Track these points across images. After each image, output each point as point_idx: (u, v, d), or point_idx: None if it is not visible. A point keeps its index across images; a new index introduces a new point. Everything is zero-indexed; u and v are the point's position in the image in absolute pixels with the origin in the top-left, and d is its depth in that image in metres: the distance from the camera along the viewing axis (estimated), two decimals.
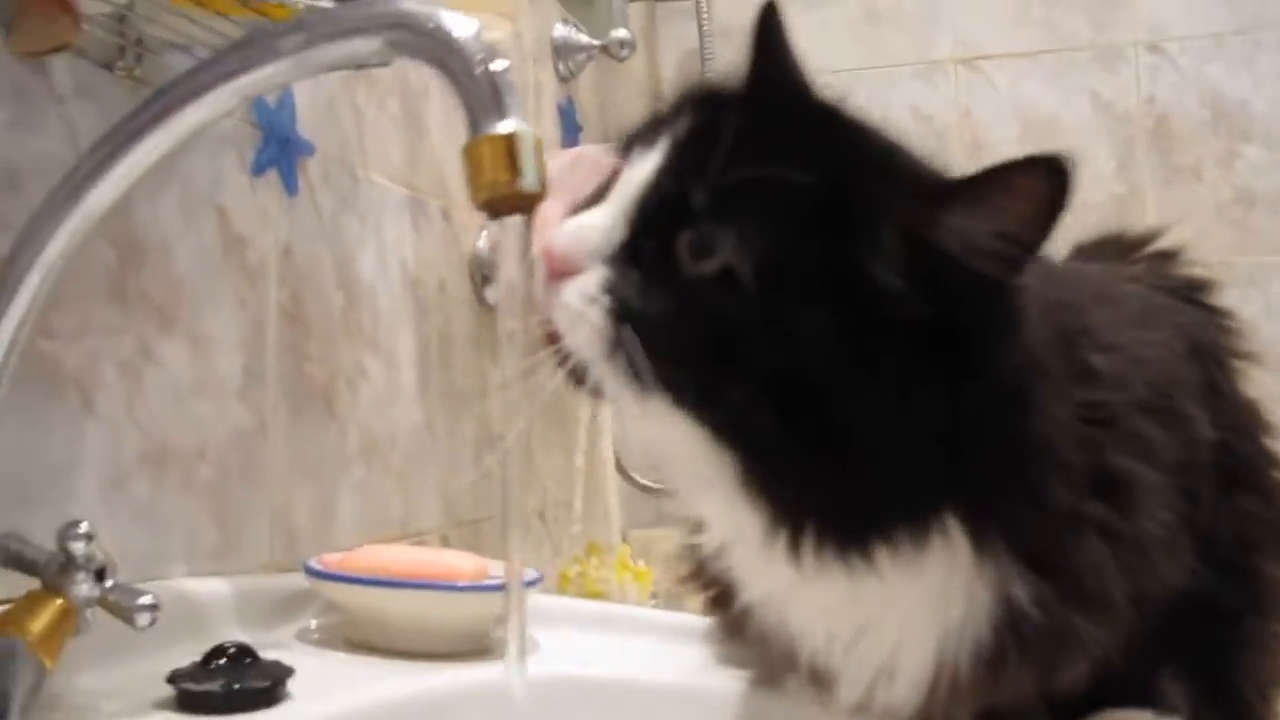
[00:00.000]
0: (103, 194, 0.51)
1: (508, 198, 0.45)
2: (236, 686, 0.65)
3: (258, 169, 0.91)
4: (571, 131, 1.68)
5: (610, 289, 0.51)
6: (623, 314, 0.50)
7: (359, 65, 0.94)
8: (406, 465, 1.16)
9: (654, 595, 1.48)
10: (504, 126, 0.45)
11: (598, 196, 0.55)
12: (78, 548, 0.60)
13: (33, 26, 0.66)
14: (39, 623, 0.59)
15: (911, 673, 0.56)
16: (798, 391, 0.48)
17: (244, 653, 0.68)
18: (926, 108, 1.98)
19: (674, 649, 0.82)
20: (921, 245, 0.49)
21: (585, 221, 0.53)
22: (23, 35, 0.66)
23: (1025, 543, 0.52)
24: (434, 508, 1.22)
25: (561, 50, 1.66)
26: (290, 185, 0.96)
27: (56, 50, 0.69)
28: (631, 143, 0.55)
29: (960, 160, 0.54)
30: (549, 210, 0.51)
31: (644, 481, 1.90)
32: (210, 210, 0.87)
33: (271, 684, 0.66)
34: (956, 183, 0.51)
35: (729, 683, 0.74)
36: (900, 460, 0.49)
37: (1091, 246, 0.71)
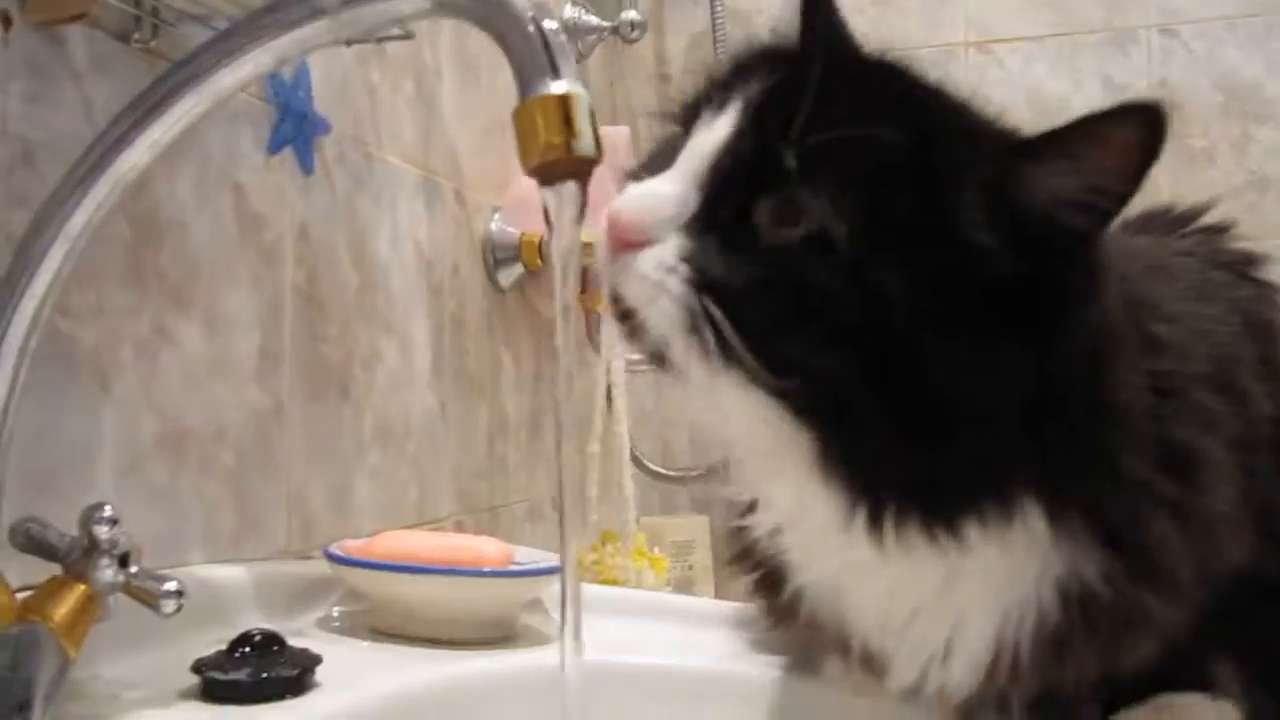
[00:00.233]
0: (132, 160, 0.49)
1: (561, 162, 0.43)
2: (264, 675, 0.63)
3: (274, 146, 0.89)
4: None
5: (688, 258, 0.49)
6: (704, 284, 0.48)
7: (379, 39, 0.92)
8: (421, 451, 1.14)
9: (668, 583, 1.46)
10: (557, 87, 0.43)
11: (654, 165, 0.53)
12: (102, 532, 0.58)
13: None
14: (62, 610, 0.57)
15: (970, 654, 0.54)
16: (886, 358, 0.47)
17: (271, 640, 0.66)
18: None
19: (701, 635, 0.81)
20: (1010, 200, 0.48)
21: (653, 189, 0.51)
22: (40, 3, 0.64)
23: (1099, 516, 0.51)
24: (448, 494, 1.20)
25: (571, 32, 1.63)
26: (306, 164, 0.93)
27: (74, 19, 0.67)
28: (694, 109, 0.53)
29: None
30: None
31: (657, 468, 1.88)
32: (227, 188, 0.85)
33: (300, 672, 0.64)
34: (1045, 135, 0.49)
35: (764, 669, 0.73)
36: (988, 428, 0.47)
37: (1139, 220, 0.69)
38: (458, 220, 1.24)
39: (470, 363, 1.26)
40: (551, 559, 0.82)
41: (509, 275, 1.33)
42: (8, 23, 0.65)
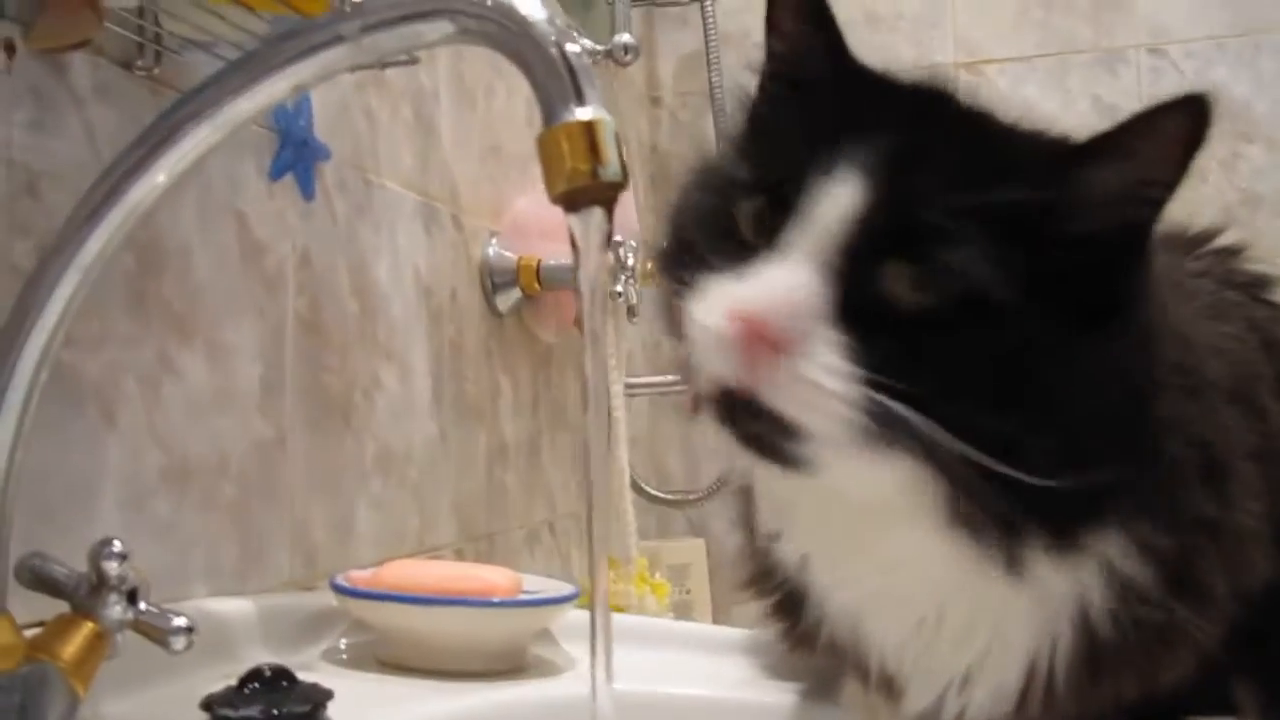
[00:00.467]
0: (146, 189, 0.48)
1: (588, 189, 0.42)
2: (276, 712, 0.61)
3: (276, 173, 0.88)
4: None
5: (850, 353, 0.47)
6: (874, 378, 0.46)
7: (384, 64, 0.92)
8: (421, 478, 1.13)
9: (669, 608, 1.45)
10: (583, 114, 0.42)
11: (727, 246, 0.51)
12: (111, 568, 0.56)
13: (54, 21, 0.63)
14: (71, 648, 0.56)
15: (1000, 680, 0.54)
16: (1038, 398, 0.47)
17: (281, 675, 0.64)
18: None
19: (710, 662, 0.80)
20: (1080, 206, 0.49)
21: (784, 281, 0.48)
22: (44, 31, 0.63)
23: (1143, 529, 0.50)
24: (449, 521, 1.19)
25: None
26: (307, 190, 0.93)
27: (77, 46, 0.66)
28: (786, 180, 0.50)
29: None
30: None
31: (654, 492, 1.88)
32: (229, 215, 0.84)
33: (311, 708, 0.63)
34: (1101, 137, 0.50)
35: (779, 695, 0.72)
36: (1103, 449, 0.48)
37: (1155, 241, 0.69)
38: (456, 246, 1.24)
39: (469, 388, 1.25)
40: (562, 587, 0.81)
41: (507, 300, 1.33)
42: (11, 50, 0.65)
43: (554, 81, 0.43)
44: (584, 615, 0.90)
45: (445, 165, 1.22)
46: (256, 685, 0.64)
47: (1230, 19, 1.88)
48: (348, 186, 1.01)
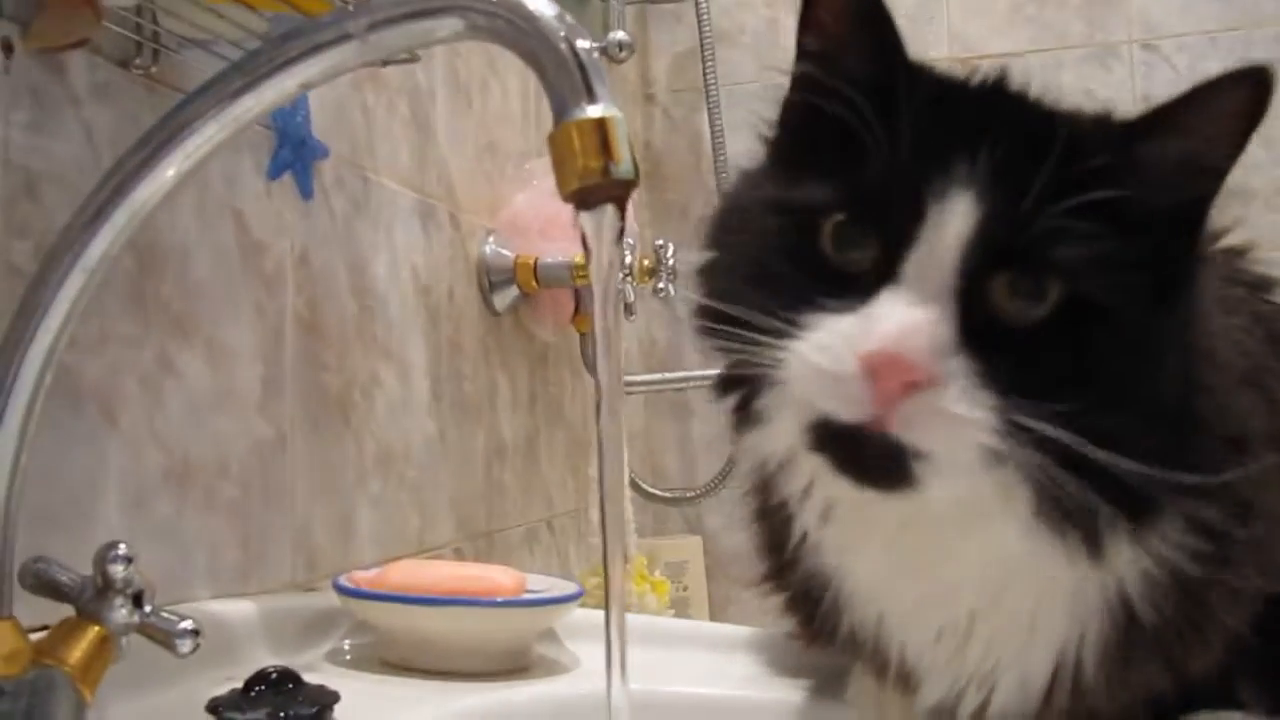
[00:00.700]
0: (151, 190, 0.48)
1: (601, 186, 0.42)
2: (283, 714, 0.61)
3: (274, 172, 0.88)
4: None
5: (985, 382, 0.46)
6: (1009, 403, 0.46)
7: (386, 62, 0.91)
8: (420, 477, 1.12)
9: (669, 605, 1.45)
10: (594, 110, 0.42)
11: (842, 281, 0.50)
12: (117, 571, 0.56)
13: (52, 21, 0.63)
14: (77, 653, 0.55)
15: (1026, 672, 0.54)
16: (1139, 385, 0.48)
17: (287, 677, 0.64)
18: None
19: (712, 660, 0.80)
20: (1150, 185, 0.49)
21: (914, 318, 0.47)
22: (42, 30, 0.63)
23: (1191, 509, 0.50)
24: (448, 520, 1.18)
25: None
26: (305, 189, 0.92)
27: (75, 46, 0.65)
28: (883, 201, 0.49)
29: None
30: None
31: (652, 489, 1.87)
32: (227, 215, 0.83)
33: (318, 710, 0.63)
34: (1156, 111, 0.50)
35: (782, 693, 0.72)
36: (1179, 426, 0.49)
37: None
38: (453, 243, 1.23)
39: (467, 386, 1.25)
40: (566, 587, 0.81)
41: (504, 298, 1.32)
42: (9, 50, 0.64)
43: (565, 78, 0.43)
44: (588, 614, 0.91)
45: (442, 162, 1.22)
46: (263, 688, 0.63)
47: (1221, 13, 1.88)
48: (345, 185, 1.00)
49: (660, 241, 1.41)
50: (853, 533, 0.56)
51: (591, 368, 1.48)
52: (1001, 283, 0.48)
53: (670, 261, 1.39)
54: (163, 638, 0.57)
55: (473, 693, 0.72)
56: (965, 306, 0.48)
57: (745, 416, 0.56)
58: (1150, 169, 0.49)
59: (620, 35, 1.71)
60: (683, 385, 1.81)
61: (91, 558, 0.56)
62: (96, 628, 0.56)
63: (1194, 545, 0.51)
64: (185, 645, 0.57)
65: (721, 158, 1.82)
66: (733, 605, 1.91)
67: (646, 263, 1.39)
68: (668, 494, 1.91)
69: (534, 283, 1.31)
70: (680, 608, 1.81)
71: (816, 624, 0.63)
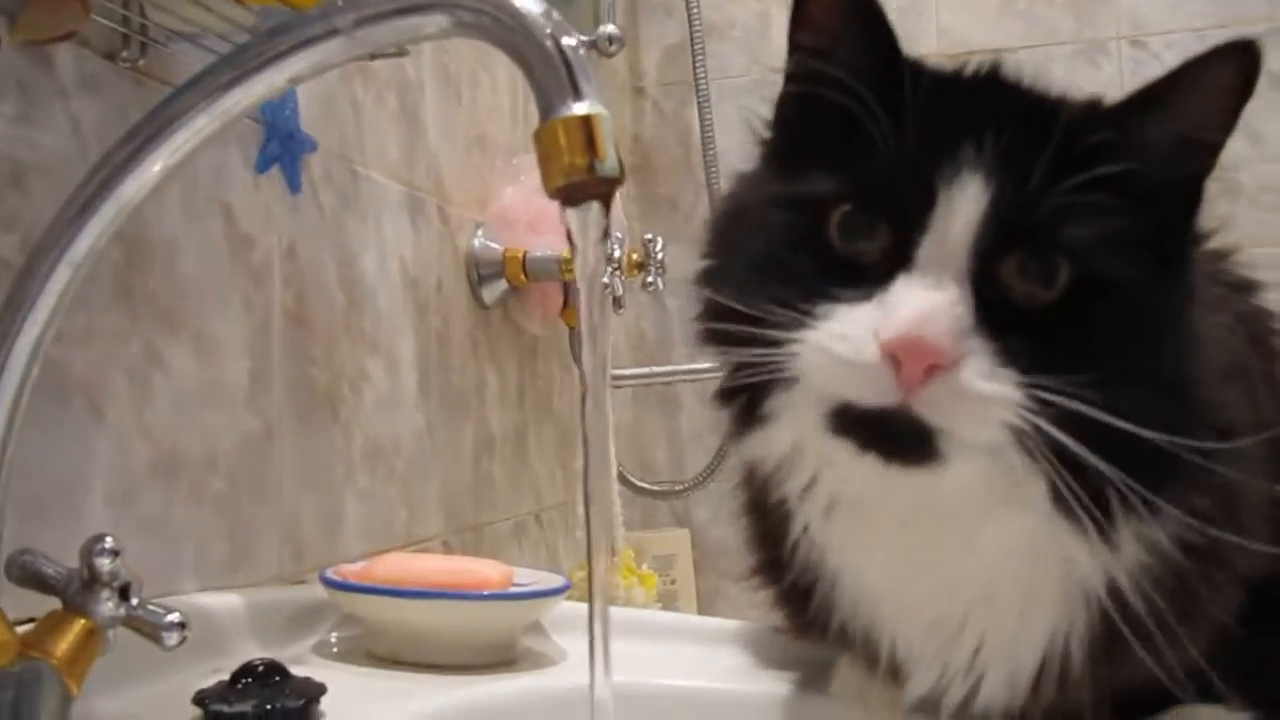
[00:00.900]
0: (138, 184, 0.48)
1: (586, 184, 0.42)
2: (269, 707, 0.61)
3: (262, 166, 0.88)
4: None
5: (1005, 360, 0.47)
6: (1031, 380, 0.47)
7: (373, 55, 0.91)
8: (409, 471, 1.12)
9: (657, 598, 1.45)
10: (580, 108, 0.42)
11: (856, 270, 0.50)
12: (103, 564, 0.56)
13: (40, 14, 0.63)
14: (63, 645, 0.55)
15: (1014, 663, 0.54)
16: (1152, 357, 0.50)
17: (273, 670, 0.65)
18: None
19: (700, 652, 0.80)
20: (1146, 160, 0.50)
21: (934, 302, 0.48)
22: (29, 23, 0.63)
23: (1186, 491, 0.50)
24: (436, 513, 1.18)
25: None
26: (293, 183, 0.92)
27: (63, 39, 0.65)
28: (891, 189, 0.50)
29: None
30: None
31: (639, 483, 1.88)
32: (215, 208, 0.83)
33: (305, 702, 0.63)
34: (1150, 89, 0.51)
35: (769, 686, 0.72)
36: (1181, 399, 0.50)
37: None
38: (441, 237, 1.23)
39: (455, 380, 1.25)
40: (553, 580, 0.81)
41: (493, 292, 1.32)
42: None
43: (550, 75, 0.43)
44: (574, 607, 0.91)
45: (431, 156, 1.21)
46: (249, 680, 0.64)
47: (1209, 10, 1.89)
48: (334, 178, 1.00)
49: (649, 235, 1.41)
50: (856, 529, 0.57)
51: (579, 361, 1.48)
52: (1013, 263, 0.49)
53: (659, 255, 1.39)
54: (149, 630, 0.57)
55: (459, 686, 0.72)
56: (979, 288, 0.49)
57: (749, 420, 0.56)
58: (1146, 145, 0.50)
59: (610, 29, 1.71)
60: (671, 379, 1.82)
61: (78, 550, 0.56)
62: (83, 620, 0.56)
63: (1187, 537, 0.51)
64: (172, 638, 0.57)
65: (711, 151, 1.82)
66: (721, 598, 1.92)
67: (635, 256, 1.39)
68: (656, 487, 1.91)
69: (523, 276, 1.31)
70: (668, 601, 1.81)
71: (808, 617, 0.63)
